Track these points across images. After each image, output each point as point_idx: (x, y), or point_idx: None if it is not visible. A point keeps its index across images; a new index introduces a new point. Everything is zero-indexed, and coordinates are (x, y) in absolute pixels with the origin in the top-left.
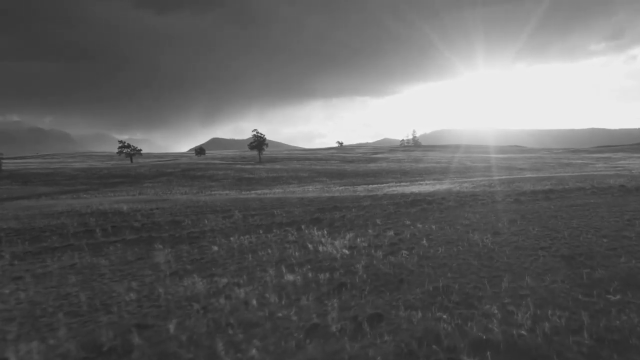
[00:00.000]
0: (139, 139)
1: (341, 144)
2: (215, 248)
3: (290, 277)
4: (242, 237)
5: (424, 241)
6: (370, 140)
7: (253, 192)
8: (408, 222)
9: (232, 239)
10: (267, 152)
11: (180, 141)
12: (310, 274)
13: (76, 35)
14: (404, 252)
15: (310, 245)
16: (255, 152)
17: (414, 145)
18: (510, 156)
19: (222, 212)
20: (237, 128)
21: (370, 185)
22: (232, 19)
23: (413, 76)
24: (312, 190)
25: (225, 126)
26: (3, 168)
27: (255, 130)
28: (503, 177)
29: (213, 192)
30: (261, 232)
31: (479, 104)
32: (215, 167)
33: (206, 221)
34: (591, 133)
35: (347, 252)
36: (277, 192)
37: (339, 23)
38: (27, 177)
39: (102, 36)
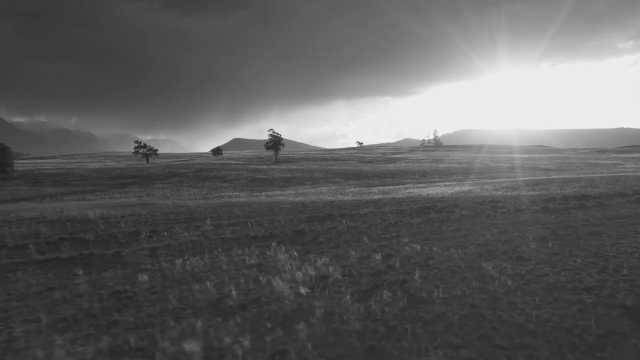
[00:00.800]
0: (163, 139)
1: (361, 144)
2: (146, 277)
3: (193, 346)
4: (193, 259)
5: (419, 273)
6: (392, 141)
7: (263, 193)
8: (405, 240)
9: (178, 261)
10: (284, 152)
11: (202, 141)
12: (234, 333)
13: (103, 38)
14: (386, 292)
15: (262, 278)
16: (272, 153)
17: (435, 145)
18: (535, 156)
19: (197, 220)
20: (258, 128)
21: (386, 187)
22: (254, 19)
23: (435, 76)
24: (317, 193)
25: (247, 126)
26: (18, 168)
27: (271, 130)
28: (527, 178)
29: (222, 194)
30: (221, 250)
31: (503, 104)
32: (230, 168)
33: (165, 234)
34: (619, 133)
35: (306, 290)
36: (288, 193)
37: (361, 23)
38: (39, 177)
39: (128, 38)
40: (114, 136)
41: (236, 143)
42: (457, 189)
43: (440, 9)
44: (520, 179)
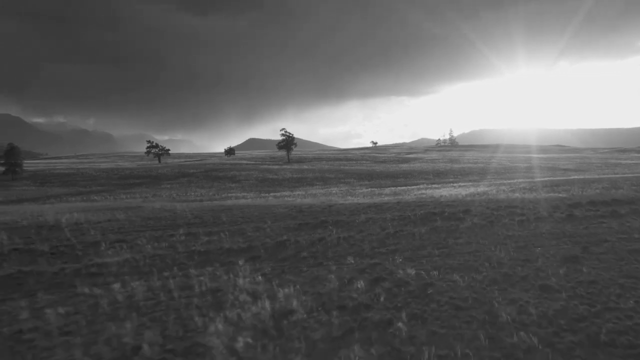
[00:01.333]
0: (179, 139)
1: (375, 143)
2: (62, 311)
3: None
4: (135, 284)
5: (406, 313)
6: (407, 141)
7: (271, 194)
8: (400, 260)
9: (116, 286)
10: (297, 152)
11: (218, 141)
12: None
13: (119, 38)
14: (357, 347)
15: (200, 319)
16: (284, 153)
17: (450, 145)
18: (553, 156)
19: (175, 227)
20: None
21: (399, 188)
22: (269, 19)
23: (451, 75)
24: (326, 194)
25: (263, 126)
26: (30, 168)
27: (283, 129)
28: (546, 178)
29: (229, 195)
30: (177, 269)
31: (520, 103)
32: (240, 168)
33: (124, 246)
34: (639, 132)
35: (247, 342)
36: (297, 194)
37: (377, 23)
38: (48, 177)
39: (144, 39)
40: (131, 136)
41: (251, 143)
42: (471, 190)
43: (456, 7)
44: (539, 179)
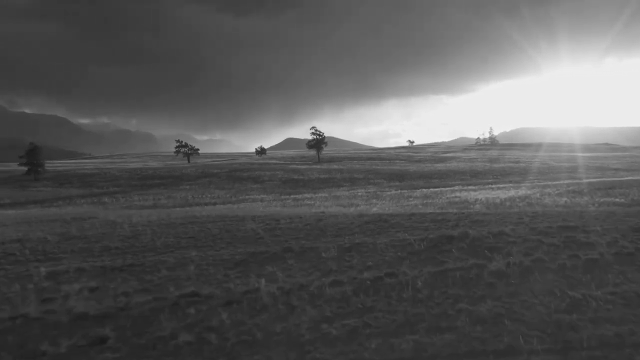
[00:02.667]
0: (218, 139)
1: (412, 142)
2: None
3: None
4: None
5: None
6: (446, 139)
7: (292, 196)
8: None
9: None
10: (330, 151)
11: (257, 141)
12: None
13: (161, 40)
14: None
15: None
16: (315, 152)
17: (490, 143)
18: (600, 155)
19: (54, 260)
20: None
21: (431, 189)
22: (307, 19)
23: (491, 74)
24: (350, 197)
25: (301, 126)
26: (59, 168)
27: (313, 127)
28: (595, 179)
29: (247, 197)
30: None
31: (564, 101)
32: (267, 168)
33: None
34: None
35: None
36: (320, 196)
37: (415, 20)
38: (69, 178)
39: (185, 40)
40: (172, 136)
41: (289, 142)
42: (511, 193)
43: (497, 4)
44: (587, 180)
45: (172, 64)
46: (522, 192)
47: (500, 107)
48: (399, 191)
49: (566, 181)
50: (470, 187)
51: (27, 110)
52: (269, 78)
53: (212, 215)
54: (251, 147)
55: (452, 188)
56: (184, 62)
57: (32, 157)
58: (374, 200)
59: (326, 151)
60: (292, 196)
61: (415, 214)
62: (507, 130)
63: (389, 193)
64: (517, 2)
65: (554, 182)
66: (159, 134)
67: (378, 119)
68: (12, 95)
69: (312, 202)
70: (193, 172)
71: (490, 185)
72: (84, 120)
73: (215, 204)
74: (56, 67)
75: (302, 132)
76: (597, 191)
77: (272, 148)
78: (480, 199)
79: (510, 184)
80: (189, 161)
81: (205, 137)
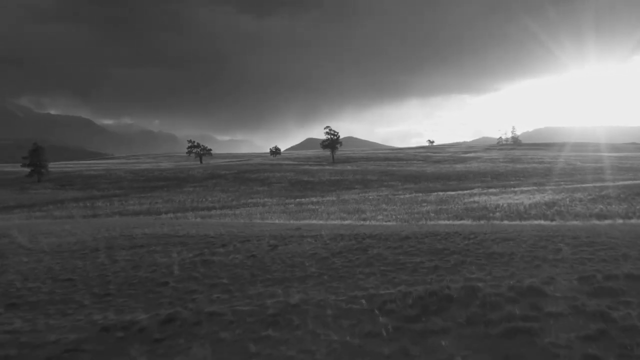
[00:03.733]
0: (240, 139)
1: (432, 142)
2: None
3: None
4: None
5: None
6: (468, 139)
7: (297, 200)
8: None
9: None
10: (347, 151)
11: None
12: None
13: (182, 42)
14: None
15: None
16: (329, 152)
17: (513, 143)
18: (628, 155)
19: None
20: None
21: (447, 193)
22: (329, 19)
23: (514, 72)
24: (359, 201)
25: (321, 126)
26: (68, 169)
27: (327, 127)
28: (628, 181)
29: (249, 201)
30: None
31: (589, 99)
32: (278, 169)
33: None
34: None
35: None
36: (327, 200)
37: (437, 19)
38: (73, 180)
39: (206, 42)
40: (194, 137)
41: (309, 143)
42: (536, 197)
43: (520, 3)
44: (621, 183)
45: (194, 65)
46: (548, 196)
47: (524, 106)
48: (413, 194)
49: (597, 184)
50: (491, 190)
51: (53, 112)
52: (290, 78)
53: (158, 234)
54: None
55: (471, 191)
56: (206, 63)
57: (36, 157)
58: (384, 206)
59: (343, 151)
60: (297, 200)
61: (410, 238)
62: (530, 129)
63: (401, 197)
64: (542, 0)
65: (583, 185)
66: (181, 134)
67: (399, 119)
68: (38, 96)
69: (317, 207)
70: (200, 173)
71: (512, 188)
72: (107, 121)
73: (211, 208)
74: (80, 69)
75: (322, 132)
76: (636, 197)
77: (292, 148)
78: (502, 205)
79: (535, 187)
80: (201, 162)
81: (227, 138)
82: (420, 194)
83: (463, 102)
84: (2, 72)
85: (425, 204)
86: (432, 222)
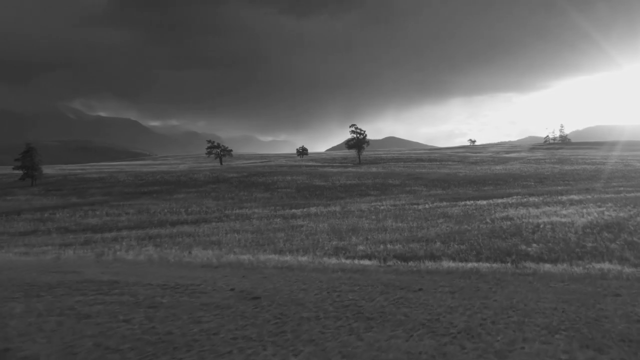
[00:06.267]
0: (282, 140)
1: (473, 142)
2: None
3: None
4: None
5: None
6: (513, 139)
7: (292, 210)
8: None
9: None
10: (381, 151)
11: (319, 142)
12: None
13: (226, 44)
14: None
15: None
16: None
17: (560, 142)
18: None
19: None
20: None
21: (478, 202)
22: (370, 19)
23: (563, 70)
24: (363, 212)
25: (362, 126)
26: (76, 171)
27: (353, 125)
28: None
29: (238, 211)
30: None
31: None
32: (292, 172)
33: None
34: None
35: None
36: (331, 210)
37: (482, 16)
38: (64, 184)
39: (248, 43)
40: (237, 138)
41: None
42: (593, 214)
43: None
44: None
45: (236, 66)
46: (609, 212)
47: (575, 104)
48: (435, 204)
49: None
50: (531, 199)
51: (102, 114)
52: (332, 79)
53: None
54: (314, 148)
55: (507, 200)
56: (248, 64)
57: (29, 160)
58: (390, 221)
59: (375, 151)
60: (291, 211)
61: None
62: (581, 128)
63: (419, 207)
64: None
65: None
66: (225, 135)
67: (443, 118)
68: (89, 99)
69: (305, 222)
70: (205, 176)
71: (559, 197)
72: (154, 123)
73: (182, 223)
74: (128, 72)
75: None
76: None
77: (332, 148)
78: (542, 225)
79: (588, 195)
80: (221, 163)
81: (269, 139)
82: (444, 204)
83: (509, 100)
84: (54, 76)
85: (444, 219)
86: (430, 264)
